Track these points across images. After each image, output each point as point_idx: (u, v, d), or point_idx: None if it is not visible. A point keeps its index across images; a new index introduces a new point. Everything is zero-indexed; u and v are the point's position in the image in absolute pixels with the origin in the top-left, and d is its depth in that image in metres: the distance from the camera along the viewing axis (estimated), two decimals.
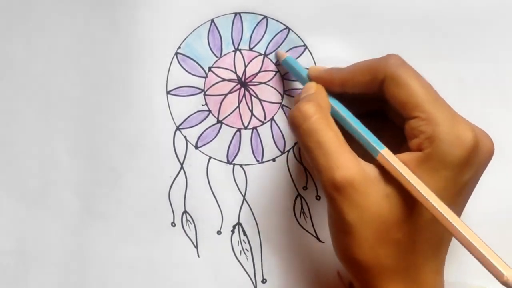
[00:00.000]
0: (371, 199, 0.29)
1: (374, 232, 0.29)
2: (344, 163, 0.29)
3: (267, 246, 0.37)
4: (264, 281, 0.37)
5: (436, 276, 0.31)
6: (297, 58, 0.37)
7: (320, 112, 0.31)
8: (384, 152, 0.30)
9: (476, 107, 0.37)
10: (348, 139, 0.31)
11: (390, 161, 0.29)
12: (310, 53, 0.37)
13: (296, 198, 0.37)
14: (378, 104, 0.33)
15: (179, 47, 0.38)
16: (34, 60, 0.38)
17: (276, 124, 0.38)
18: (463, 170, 0.29)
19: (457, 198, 0.30)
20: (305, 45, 0.37)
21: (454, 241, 0.32)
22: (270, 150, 0.38)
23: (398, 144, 0.31)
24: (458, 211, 0.31)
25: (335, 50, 0.37)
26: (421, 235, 0.30)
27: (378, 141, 0.30)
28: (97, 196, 0.38)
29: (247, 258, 0.38)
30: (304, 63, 0.37)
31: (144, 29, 0.38)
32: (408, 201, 0.29)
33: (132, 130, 0.38)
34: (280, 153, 0.38)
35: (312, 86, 0.33)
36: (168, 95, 0.38)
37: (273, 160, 0.38)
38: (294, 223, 0.37)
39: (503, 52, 0.37)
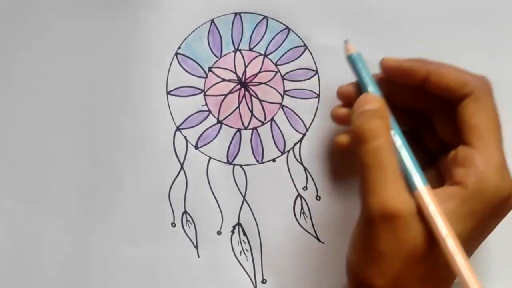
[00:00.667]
0: (411, 234, 0.28)
1: (402, 264, 0.29)
2: (397, 194, 0.28)
3: (267, 247, 0.37)
4: (264, 281, 0.37)
5: None
6: (297, 58, 0.37)
7: (389, 133, 0.30)
8: (427, 189, 0.29)
9: None
10: None
11: (426, 203, 0.29)
12: (310, 53, 0.37)
13: (296, 198, 0.37)
14: (418, 123, 0.33)
15: (179, 48, 0.38)
16: (34, 60, 0.38)
17: (276, 125, 0.38)
18: (494, 218, 0.30)
19: (479, 240, 0.31)
20: (305, 45, 0.37)
21: None
22: (270, 151, 0.38)
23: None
24: (473, 250, 0.32)
25: (335, 50, 0.37)
26: (437, 272, 0.30)
27: (423, 176, 0.29)
28: (97, 196, 0.38)
29: (247, 258, 0.38)
30: (304, 63, 0.37)
31: (144, 29, 0.38)
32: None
33: (132, 130, 0.38)
34: (280, 154, 0.38)
35: (374, 100, 0.31)
36: (168, 95, 0.38)
37: (273, 160, 0.38)
38: (294, 224, 0.37)
39: (503, 52, 0.37)
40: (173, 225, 0.38)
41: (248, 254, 0.37)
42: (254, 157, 0.38)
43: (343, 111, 0.34)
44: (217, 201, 0.38)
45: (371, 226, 0.29)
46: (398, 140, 0.31)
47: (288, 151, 0.38)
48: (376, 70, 0.33)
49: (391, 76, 0.32)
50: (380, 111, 0.31)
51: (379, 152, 0.29)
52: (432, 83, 0.31)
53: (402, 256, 0.28)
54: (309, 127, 0.37)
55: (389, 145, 0.29)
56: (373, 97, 0.31)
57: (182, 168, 0.38)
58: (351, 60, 0.33)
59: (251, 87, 0.38)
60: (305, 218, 0.37)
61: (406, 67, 0.32)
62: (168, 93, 0.38)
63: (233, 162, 0.38)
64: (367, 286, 0.29)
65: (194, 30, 0.38)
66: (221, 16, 0.37)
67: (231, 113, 0.38)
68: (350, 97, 0.33)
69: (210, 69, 0.38)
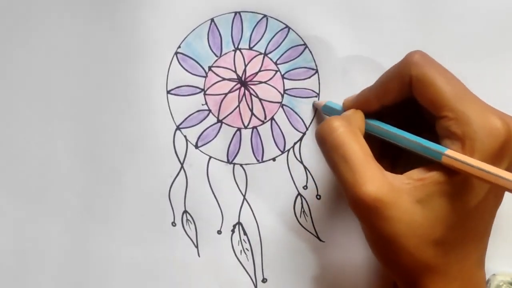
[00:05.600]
0: (402, 209, 0.28)
1: (411, 239, 0.29)
2: (369, 178, 0.28)
3: (267, 246, 0.37)
4: (264, 280, 0.37)
5: (477, 268, 0.31)
6: (297, 57, 0.37)
7: (347, 126, 0.30)
8: (449, 153, 0.28)
9: None
10: (378, 155, 0.30)
11: (459, 159, 0.28)
12: (310, 52, 0.37)
13: (296, 197, 0.37)
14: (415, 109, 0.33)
15: (179, 47, 0.38)
16: (34, 60, 0.38)
17: (276, 124, 0.38)
18: (498, 162, 0.28)
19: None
20: (305, 44, 0.37)
21: None
22: (270, 150, 0.38)
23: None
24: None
25: (335, 49, 0.37)
26: (459, 232, 0.29)
27: (438, 145, 0.29)
28: (97, 196, 0.38)
29: (247, 258, 0.37)
30: (303, 62, 0.37)
31: (144, 29, 0.38)
32: (441, 202, 0.29)
33: (132, 130, 0.38)
34: (280, 153, 0.38)
35: (349, 110, 0.33)
36: (168, 95, 0.38)
37: (273, 159, 0.38)
38: (294, 223, 0.37)
39: (503, 51, 0.37)
40: (174, 224, 0.38)
41: (249, 253, 0.37)
42: (254, 156, 0.38)
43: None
44: (217, 200, 0.38)
45: (362, 219, 0.29)
46: (396, 131, 0.31)
47: (288, 150, 0.37)
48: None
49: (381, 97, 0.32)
50: (345, 114, 0.32)
51: (339, 144, 0.29)
52: (386, 99, 0.31)
53: (405, 232, 0.28)
54: (309, 126, 0.37)
55: (350, 134, 0.30)
56: (348, 111, 0.33)
57: (182, 167, 0.38)
58: (328, 108, 0.35)
59: (251, 86, 0.38)
60: (305, 217, 0.37)
61: (358, 101, 0.33)
62: (168, 92, 0.38)
63: (233, 161, 0.38)
64: (394, 267, 0.30)
65: (194, 29, 0.38)
66: (221, 15, 0.38)
67: (231, 112, 0.38)
68: None
69: (210, 68, 0.38)
